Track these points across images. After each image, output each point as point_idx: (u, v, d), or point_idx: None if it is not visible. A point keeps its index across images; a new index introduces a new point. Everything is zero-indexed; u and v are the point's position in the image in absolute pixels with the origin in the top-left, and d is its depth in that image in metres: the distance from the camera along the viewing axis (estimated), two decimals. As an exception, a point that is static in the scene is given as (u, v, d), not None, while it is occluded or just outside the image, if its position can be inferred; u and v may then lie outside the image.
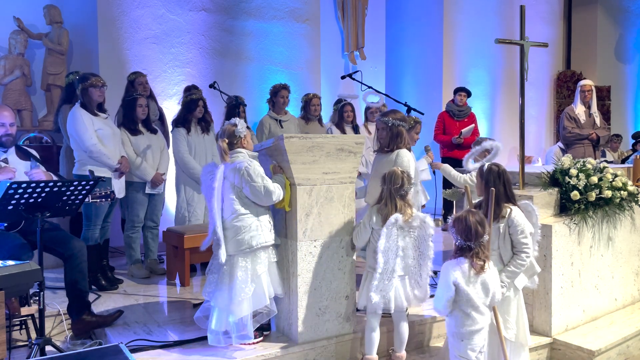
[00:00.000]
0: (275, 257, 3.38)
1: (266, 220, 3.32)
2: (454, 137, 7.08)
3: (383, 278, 3.15)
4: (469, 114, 7.37)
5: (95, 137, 4.37)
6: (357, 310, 3.53)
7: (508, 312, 3.19)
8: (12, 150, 3.64)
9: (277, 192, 3.23)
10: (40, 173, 3.52)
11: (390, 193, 3.27)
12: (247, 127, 3.49)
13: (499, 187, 3.18)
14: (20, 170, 3.57)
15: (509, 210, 3.18)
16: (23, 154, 3.69)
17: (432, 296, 3.35)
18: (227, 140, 3.32)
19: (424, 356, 3.66)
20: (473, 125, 7.20)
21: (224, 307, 3.20)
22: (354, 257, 3.55)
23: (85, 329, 3.61)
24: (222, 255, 3.18)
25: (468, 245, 2.89)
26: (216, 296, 3.24)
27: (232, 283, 3.20)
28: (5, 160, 3.55)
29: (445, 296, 2.90)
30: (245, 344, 3.30)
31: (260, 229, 3.25)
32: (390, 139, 3.71)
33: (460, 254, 2.93)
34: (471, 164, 3.62)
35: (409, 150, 3.80)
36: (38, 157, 3.75)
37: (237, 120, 3.38)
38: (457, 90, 7.35)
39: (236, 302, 3.16)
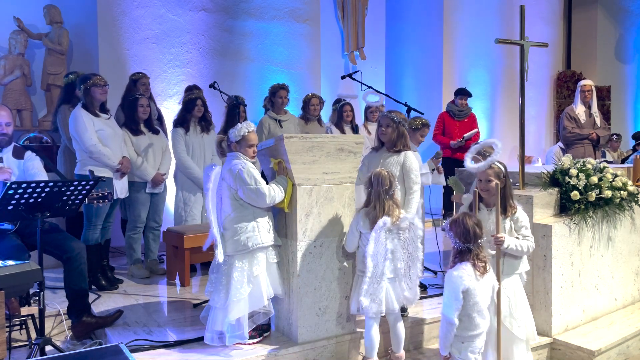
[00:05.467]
0: (276, 257, 3.37)
1: (265, 221, 3.31)
2: (453, 142, 7.06)
3: (372, 282, 3.13)
4: (469, 114, 7.38)
5: (96, 138, 4.38)
6: (351, 314, 3.51)
7: (516, 308, 3.18)
8: (9, 149, 3.64)
9: (271, 194, 3.22)
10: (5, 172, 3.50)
11: (379, 195, 3.23)
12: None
13: (509, 182, 3.23)
14: (15, 170, 3.59)
15: (515, 209, 3.23)
16: (18, 154, 3.69)
17: (422, 297, 3.37)
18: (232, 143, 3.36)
19: (424, 356, 3.66)
20: (476, 129, 7.20)
21: (220, 307, 3.21)
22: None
23: (85, 330, 3.60)
24: (219, 255, 3.20)
25: (467, 247, 2.88)
26: (214, 296, 3.26)
27: (229, 283, 3.21)
28: (0, 160, 3.55)
29: (455, 306, 2.86)
30: (245, 344, 3.30)
31: (257, 230, 3.25)
32: (397, 138, 3.71)
33: (460, 257, 2.91)
34: (471, 164, 3.58)
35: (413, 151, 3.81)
36: (36, 150, 3.76)
37: (244, 124, 3.37)
38: (458, 93, 7.34)
39: (232, 303, 3.17)
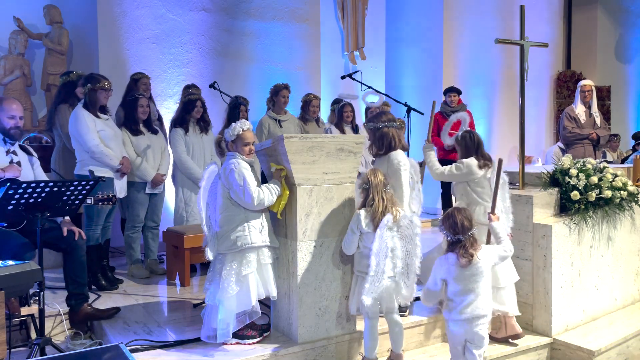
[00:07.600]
0: (270, 259, 3.34)
1: (257, 222, 3.28)
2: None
3: (374, 280, 3.13)
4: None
5: (98, 138, 4.38)
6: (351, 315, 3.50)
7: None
8: (17, 144, 3.70)
9: (260, 196, 3.20)
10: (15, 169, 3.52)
11: (379, 194, 3.24)
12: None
13: (474, 149, 3.78)
14: (25, 162, 3.63)
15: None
16: (25, 150, 3.77)
17: (417, 298, 3.39)
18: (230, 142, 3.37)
19: (424, 355, 3.66)
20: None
21: (214, 305, 3.23)
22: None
23: (82, 319, 3.63)
24: (208, 253, 3.23)
25: (458, 238, 3.02)
26: (209, 294, 3.27)
27: (219, 281, 3.22)
28: (14, 153, 3.59)
29: (432, 290, 3.12)
30: (245, 344, 3.30)
31: (247, 230, 3.23)
32: (377, 142, 3.66)
33: (451, 249, 3.07)
34: (448, 139, 3.95)
35: (406, 148, 3.76)
36: (35, 155, 3.82)
37: (239, 123, 3.36)
38: (447, 91, 7.27)
39: (221, 301, 3.18)
